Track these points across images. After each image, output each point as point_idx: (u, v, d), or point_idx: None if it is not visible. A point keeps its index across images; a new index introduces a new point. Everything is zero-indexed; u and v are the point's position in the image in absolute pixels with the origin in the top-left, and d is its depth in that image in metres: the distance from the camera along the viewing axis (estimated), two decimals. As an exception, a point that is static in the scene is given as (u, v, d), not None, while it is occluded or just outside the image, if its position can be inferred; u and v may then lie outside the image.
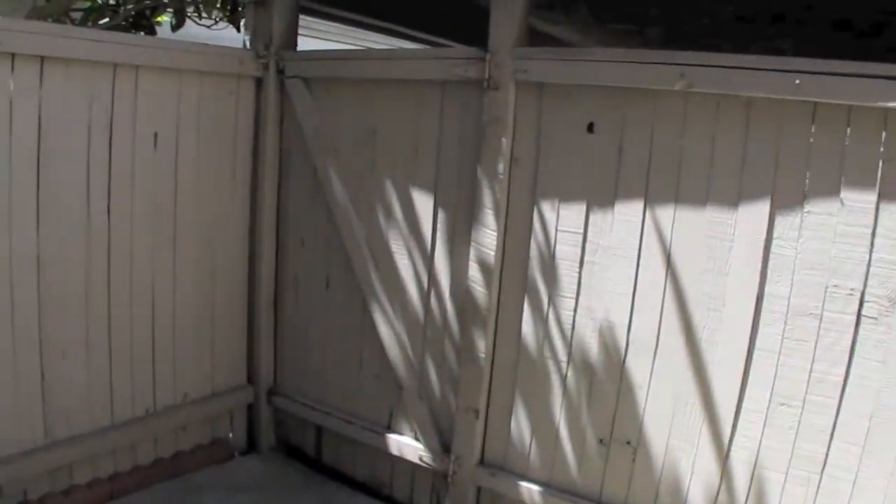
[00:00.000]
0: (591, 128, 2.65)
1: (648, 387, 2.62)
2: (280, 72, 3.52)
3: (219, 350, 3.68)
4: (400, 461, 3.35)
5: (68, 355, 3.03)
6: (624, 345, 2.66)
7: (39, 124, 2.80)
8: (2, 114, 2.68)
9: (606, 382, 2.71)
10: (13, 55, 2.67)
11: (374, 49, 3.47)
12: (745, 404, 2.42)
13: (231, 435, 3.84)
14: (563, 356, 2.80)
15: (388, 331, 3.26)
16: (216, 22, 5.34)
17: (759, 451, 2.41)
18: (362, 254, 3.30)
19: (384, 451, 3.38)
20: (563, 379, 2.81)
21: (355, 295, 3.38)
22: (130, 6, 4.90)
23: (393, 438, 3.34)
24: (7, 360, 2.84)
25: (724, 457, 2.48)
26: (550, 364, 2.83)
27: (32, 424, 2.96)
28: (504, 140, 2.80)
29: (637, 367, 2.64)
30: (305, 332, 3.67)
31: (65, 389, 3.04)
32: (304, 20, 3.90)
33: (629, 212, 2.59)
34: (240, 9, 4.72)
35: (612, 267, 2.65)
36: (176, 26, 5.16)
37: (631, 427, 2.67)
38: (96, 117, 2.97)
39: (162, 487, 3.40)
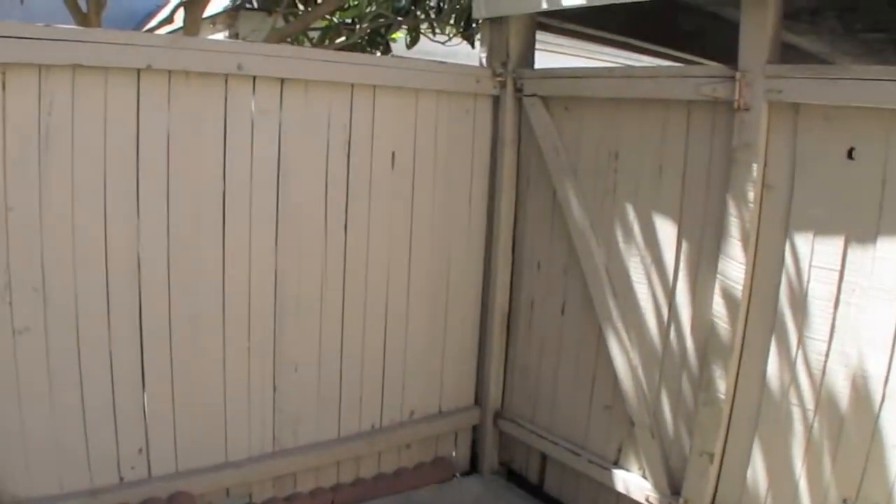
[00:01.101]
0: (851, 153, 2.76)
1: (905, 449, 2.67)
2: (517, 90, 4.02)
3: (448, 369, 4.27)
4: (625, 499, 3.66)
5: (300, 369, 3.73)
6: (879, 398, 2.72)
7: (279, 144, 3.50)
8: (244, 134, 3.40)
9: (856, 437, 2.78)
10: (254, 78, 3.38)
11: (615, 67, 3.84)
12: None
13: (454, 455, 4.42)
14: (809, 404, 2.92)
15: (622, 362, 3.60)
16: (450, 38, 6.04)
17: None
18: (600, 280, 3.68)
19: (609, 487, 3.72)
20: (808, 428, 2.93)
21: (591, 322, 3.77)
22: (366, 25, 5.74)
23: (620, 474, 3.68)
24: (242, 370, 3.57)
25: None
26: (795, 411, 2.96)
27: (262, 433, 3.68)
28: (755, 165, 3.00)
29: (893, 424, 2.68)
30: (537, 357, 4.14)
31: (295, 401, 3.75)
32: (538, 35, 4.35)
33: (894, 249, 2.66)
34: (474, 25, 5.34)
35: (872, 310, 2.73)
36: (411, 43, 5.95)
37: (880, 491, 2.72)
38: (335, 137, 3.63)
39: (382, 502, 4.00)
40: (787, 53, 3.12)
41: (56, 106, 2.92)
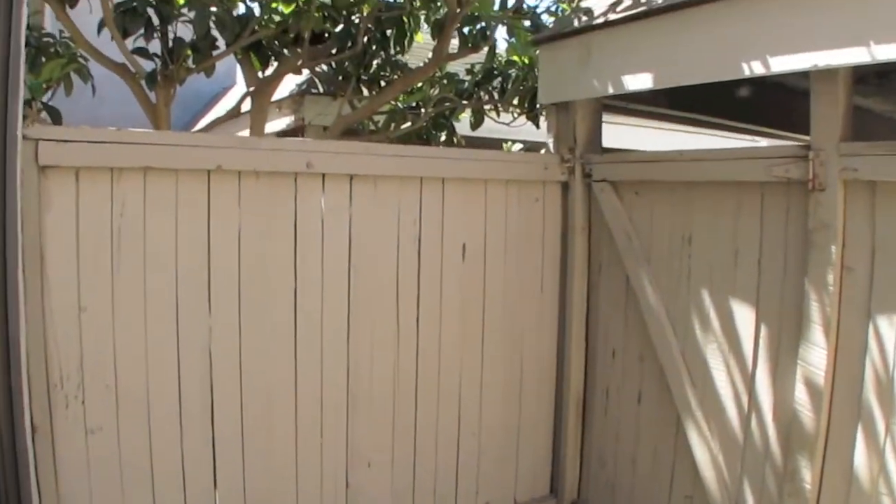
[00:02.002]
0: (933, 232, 2.80)
1: None
2: (586, 176, 4.19)
3: (522, 459, 4.33)
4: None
5: (373, 464, 3.84)
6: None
7: (350, 240, 3.68)
8: (314, 231, 3.59)
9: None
10: (323, 175, 3.59)
11: (684, 150, 3.98)
12: None
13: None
14: (901, 494, 2.90)
15: (703, 451, 3.62)
16: (514, 118, 6.31)
17: None
18: (677, 368, 3.73)
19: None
20: (901, 520, 2.91)
21: (668, 410, 3.81)
22: (431, 109, 6.03)
23: (702, 568, 3.66)
24: (314, 467, 3.68)
25: None
26: (885, 501, 2.93)
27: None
28: (833, 247, 3.05)
29: None
30: (614, 445, 4.17)
31: (368, 497, 3.84)
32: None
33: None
34: (538, 105, 5.59)
35: (962, 395, 2.74)
36: (475, 125, 6.22)
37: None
38: (405, 230, 3.81)
39: None
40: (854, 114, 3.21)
41: (128, 207, 3.15)
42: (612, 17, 3.98)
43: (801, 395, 3.21)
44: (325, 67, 6.33)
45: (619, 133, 5.76)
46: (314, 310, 3.62)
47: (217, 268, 3.37)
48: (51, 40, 5.51)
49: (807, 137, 3.22)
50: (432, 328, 3.94)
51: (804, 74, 3.14)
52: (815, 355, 3.15)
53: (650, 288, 3.88)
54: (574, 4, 5.65)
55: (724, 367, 3.59)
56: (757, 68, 3.25)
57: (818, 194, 3.12)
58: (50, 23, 6.20)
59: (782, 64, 3.14)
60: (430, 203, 3.87)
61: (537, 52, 4.88)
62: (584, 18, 4.25)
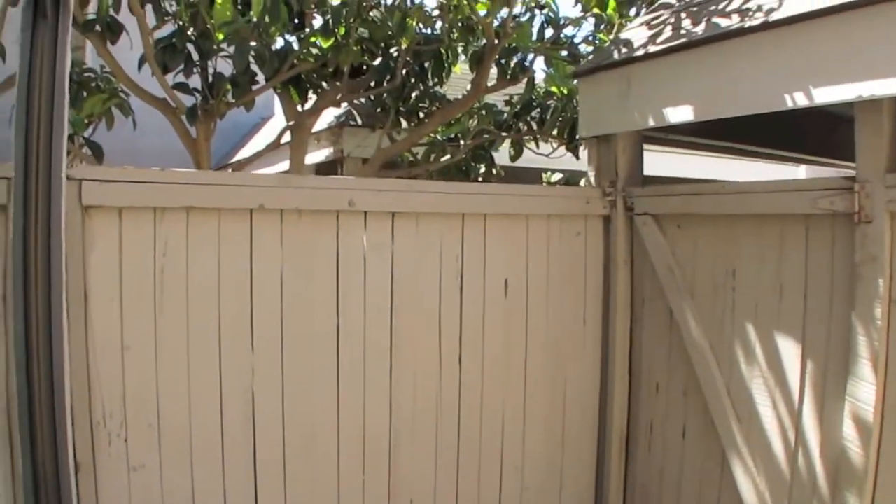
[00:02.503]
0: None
1: None
2: (628, 209, 4.25)
3: (566, 494, 4.36)
4: None
5: (416, 501, 3.90)
6: None
7: (392, 277, 3.77)
8: (356, 269, 3.68)
9: None
10: (365, 213, 3.69)
11: (727, 182, 4.05)
12: None
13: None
14: (954, 533, 2.89)
15: (749, 488, 3.62)
16: (554, 150, 6.42)
17: None
18: (722, 403, 3.75)
19: None
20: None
21: (714, 446, 3.82)
22: (470, 141, 6.16)
23: None
24: (356, 503, 3.75)
25: None
26: None
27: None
28: (880, 280, 3.06)
29: None
30: (658, 481, 4.19)
31: None
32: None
33: None
34: (577, 137, 5.69)
35: None
36: (514, 156, 6.35)
37: None
38: (447, 267, 3.90)
39: None
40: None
41: (171, 246, 3.26)
42: (651, 49, 4.06)
43: (849, 431, 3.21)
44: (363, 99, 6.49)
45: (659, 159, 5.82)
46: (357, 347, 3.70)
47: (260, 306, 3.46)
48: (92, 75, 5.69)
49: (850, 164, 3.26)
50: (475, 363, 4.01)
51: (848, 102, 3.17)
52: (864, 391, 3.15)
53: (694, 322, 3.92)
54: (612, 35, 5.77)
55: (770, 402, 3.61)
56: (800, 100, 3.29)
57: (864, 226, 3.14)
58: (90, 57, 6.41)
59: (826, 95, 3.18)
60: (472, 239, 3.96)
61: (576, 82, 4.98)
62: (624, 50, 4.34)
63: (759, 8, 3.58)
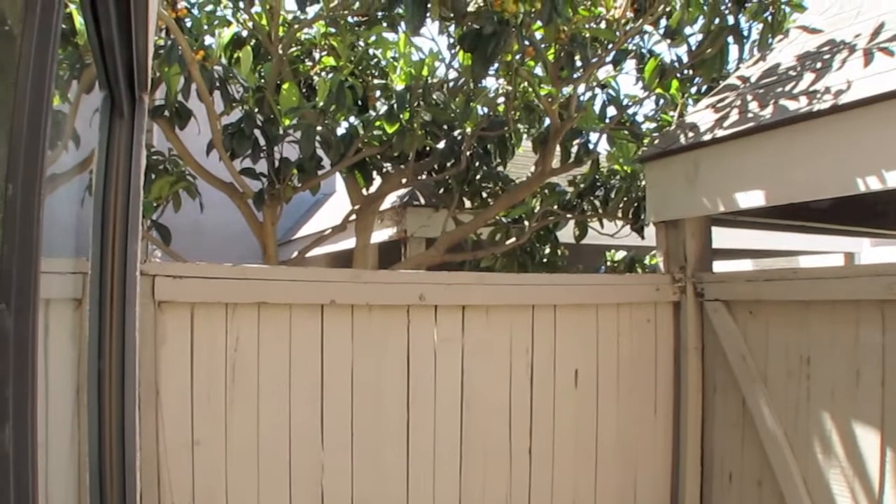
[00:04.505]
0: None
1: None
2: (698, 295, 4.39)
3: (640, 592, 4.42)
4: None
5: None
6: None
7: (462, 370, 3.90)
8: (427, 362, 3.81)
9: None
10: (436, 307, 3.84)
11: (799, 268, 4.15)
12: None
13: None
14: None
15: None
16: (619, 229, 6.59)
17: None
18: (798, 494, 3.80)
19: None
20: None
21: None
22: (535, 224, 6.36)
23: None
24: None
25: None
26: None
27: None
28: None
29: None
30: (736, 578, 4.24)
31: None
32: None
33: None
34: (642, 216, 5.86)
35: None
36: (579, 237, 6.53)
37: None
38: (517, 359, 4.03)
39: None
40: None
41: (242, 341, 3.40)
42: (719, 133, 4.23)
43: (932, 524, 3.27)
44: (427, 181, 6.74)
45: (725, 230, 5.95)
46: (427, 442, 3.81)
47: (330, 401, 3.59)
48: (160, 158, 6.01)
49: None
50: (545, 455, 4.10)
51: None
52: (948, 482, 3.22)
53: (767, 409, 4.00)
54: (675, 113, 5.97)
55: (848, 493, 3.66)
56: (873, 184, 3.43)
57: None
58: (158, 139, 6.76)
59: (899, 178, 3.30)
60: (542, 330, 4.09)
61: (642, 165, 5.15)
62: (691, 134, 4.52)
63: (828, 90, 3.75)
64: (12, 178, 1.08)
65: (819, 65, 4.11)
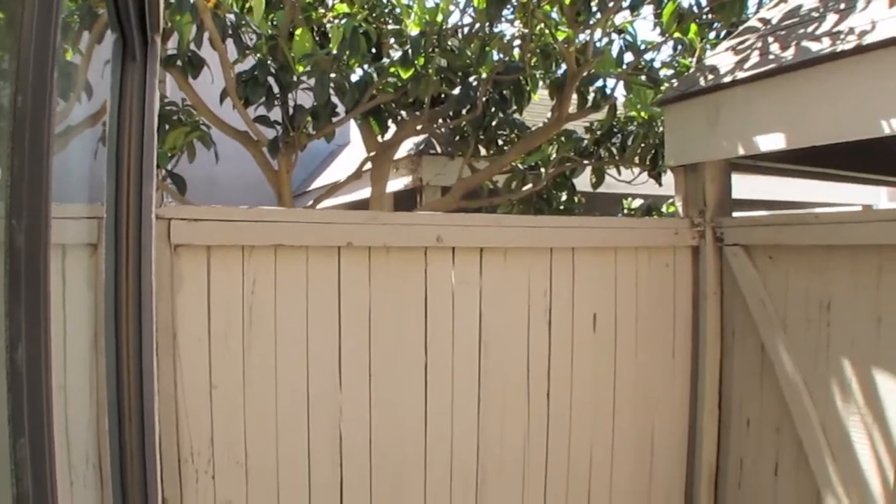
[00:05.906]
0: None
1: None
2: (718, 240, 4.34)
3: (654, 532, 4.44)
4: None
5: None
6: None
7: (480, 313, 3.89)
8: (444, 305, 3.80)
9: None
10: (453, 249, 3.81)
11: (821, 213, 4.10)
12: None
13: None
14: None
15: None
16: (636, 176, 6.54)
17: None
18: (817, 440, 3.80)
19: None
20: None
21: (807, 485, 3.87)
22: (552, 170, 6.32)
23: None
24: None
25: None
26: None
27: None
28: None
29: None
30: (750, 522, 4.26)
31: None
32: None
33: None
34: (660, 163, 5.81)
35: None
36: (596, 184, 6.49)
37: None
38: (535, 303, 4.01)
39: None
40: None
41: (259, 285, 3.39)
42: (739, 75, 4.16)
43: (953, 470, 3.25)
44: (442, 128, 6.69)
45: (745, 179, 5.88)
46: (444, 384, 3.82)
47: (347, 344, 3.58)
48: (174, 108, 5.99)
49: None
50: (563, 399, 4.10)
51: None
52: (970, 429, 3.19)
53: (787, 356, 3.98)
54: (694, 59, 5.88)
55: (867, 440, 3.64)
56: (898, 126, 3.33)
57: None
58: (171, 90, 6.73)
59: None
60: (560, 273, 4.06)
61: (660, 109, 5.08)
62: (711, 77, 4.45)
63: (852, 31, 3.66)
64: (22, 90, 1.05)
65: (843, 5, 4.02)
